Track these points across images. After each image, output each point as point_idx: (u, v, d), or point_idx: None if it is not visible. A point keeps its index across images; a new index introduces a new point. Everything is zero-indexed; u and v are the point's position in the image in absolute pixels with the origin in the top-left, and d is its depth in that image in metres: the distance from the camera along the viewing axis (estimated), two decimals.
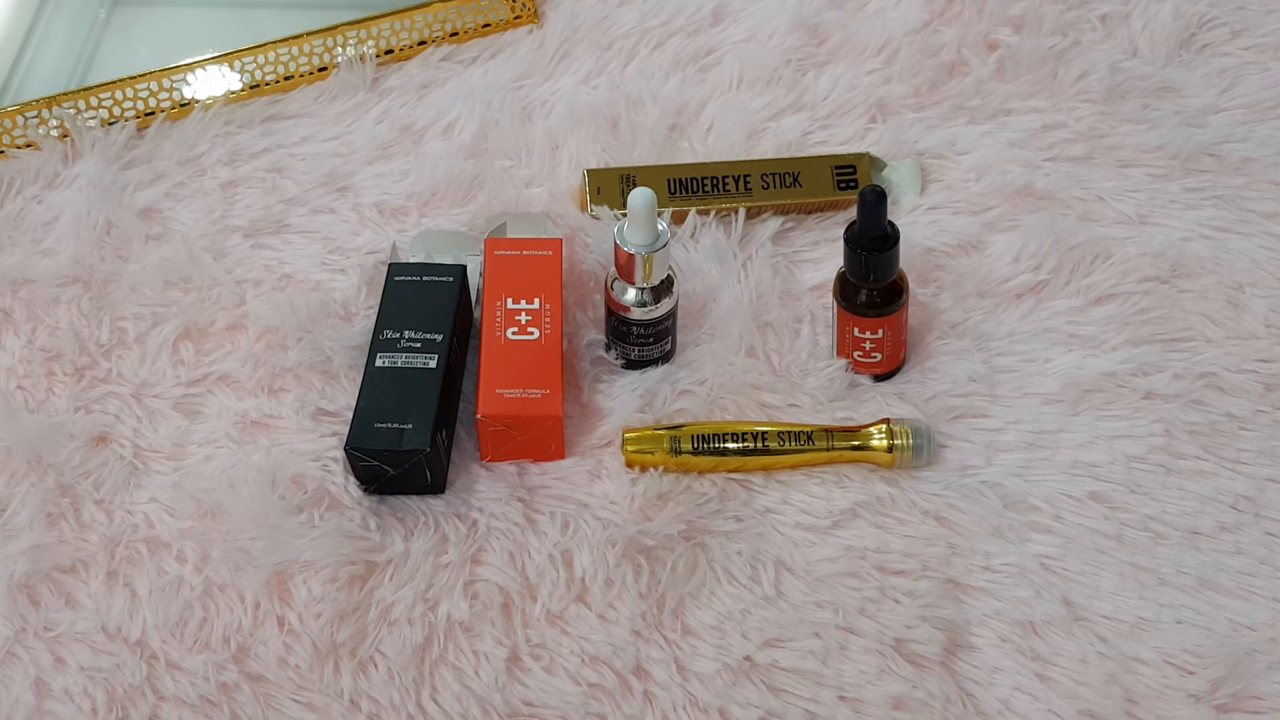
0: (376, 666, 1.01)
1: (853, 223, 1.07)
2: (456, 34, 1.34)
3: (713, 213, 1.21)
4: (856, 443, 1.08)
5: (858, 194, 1.09)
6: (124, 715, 0.99)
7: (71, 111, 1.28)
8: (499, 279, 1.12)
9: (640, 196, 1.05)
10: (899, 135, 1.27)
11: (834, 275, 1.12)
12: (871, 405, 1.12)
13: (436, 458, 1.05)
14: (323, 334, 1.15)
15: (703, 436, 1.08)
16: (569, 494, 1.07)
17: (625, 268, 1.08)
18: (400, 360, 1.08)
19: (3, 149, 1.28)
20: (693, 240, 1.20)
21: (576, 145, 1.27)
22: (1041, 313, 1.16)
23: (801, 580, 1.03)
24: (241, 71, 1.31)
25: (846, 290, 1.10)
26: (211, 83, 1.30)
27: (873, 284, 1.09)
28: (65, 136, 1.28)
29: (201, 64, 1.30)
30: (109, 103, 1.28)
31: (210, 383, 1.14)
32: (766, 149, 1.26)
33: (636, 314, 1.10)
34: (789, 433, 1.08)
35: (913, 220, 1.22)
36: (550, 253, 1.14)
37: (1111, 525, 1.05)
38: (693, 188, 1.22)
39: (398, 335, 1.09)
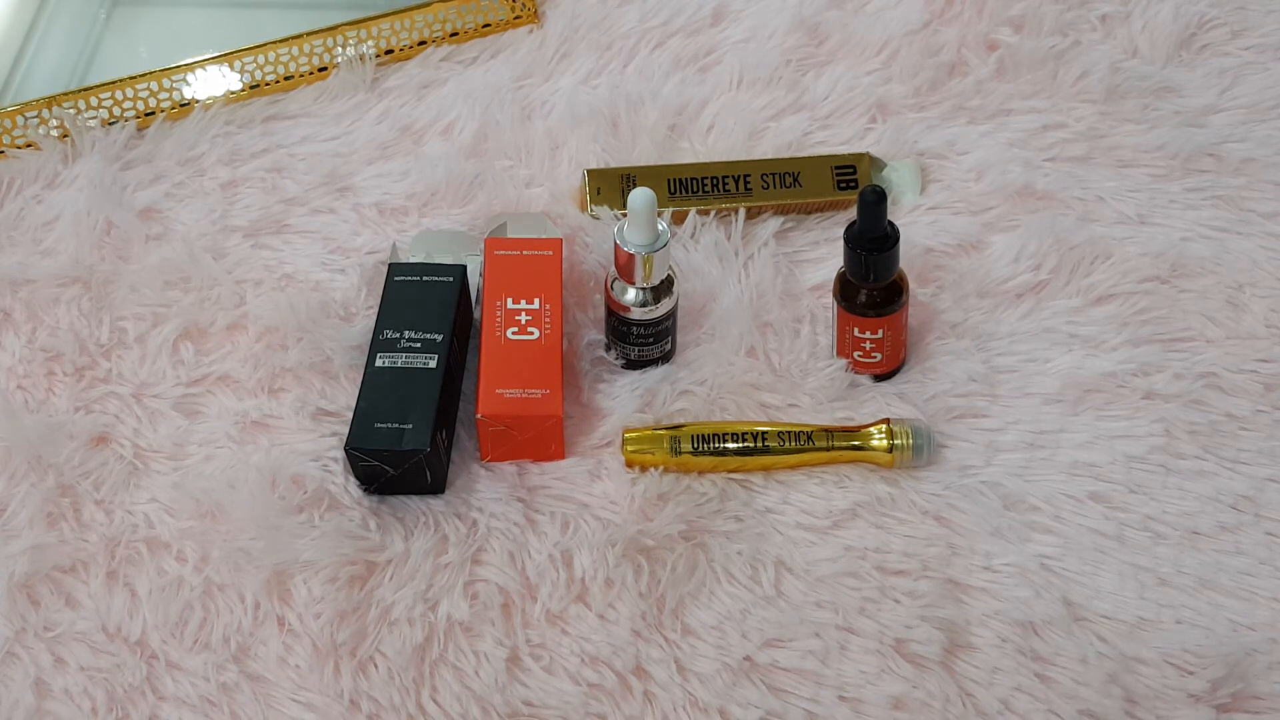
0: (376, 666, 1.00)
1: (853, 223, 1.07)
2: (456, 34, 1.34)
3: (713, 213, 1.21)
4: (856, 443, 1.08)
5: (858, 194, 1.09)
6: (124, 715, 0.99)
7: (71, 111, 1.28)
8: (499, 279, 1.12)
9: (640, 196, 1.05)
10: (899, 135, 1.27)
11: (834, 275, 1.12)
12: (871, 405, 1.12)
13: (436, 458, 1.05)
14: (323, 334, 1.15)
15: (703, 436, 1.08)
16: (569, 494, 1.07)
17: (625, 268, 1.08)
18: (400, 360, 1.08)
19: (3, 149, 1.28)
20: (693, 240, 1.20)
21: (576, 145, 1.27)
22: (1041, 313, 1.16)
23: (801, 580, 1.03)
24: (241, 71, 1.31)
25: (846, 290, 1.10)
26: (211, 83, 1.30)
27: (873, 284, 1.09)
28: (65, 136, 1.28)
29: (201, 64, 1.30)
30: (109, 103, 1.28)
31: (210, 383, 1.14)
32: (766, 149, 1.26)
33: (636, 314, 1.10)
34: (789, 433, 1.08)
35: (913, 220, 1.22)
36: (550, 253, 1.14)
37: (1111, 525, 1.05)
38: (693, 188, 1.22)
39: (398, 335, 1.09)
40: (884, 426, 1.08)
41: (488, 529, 1.06)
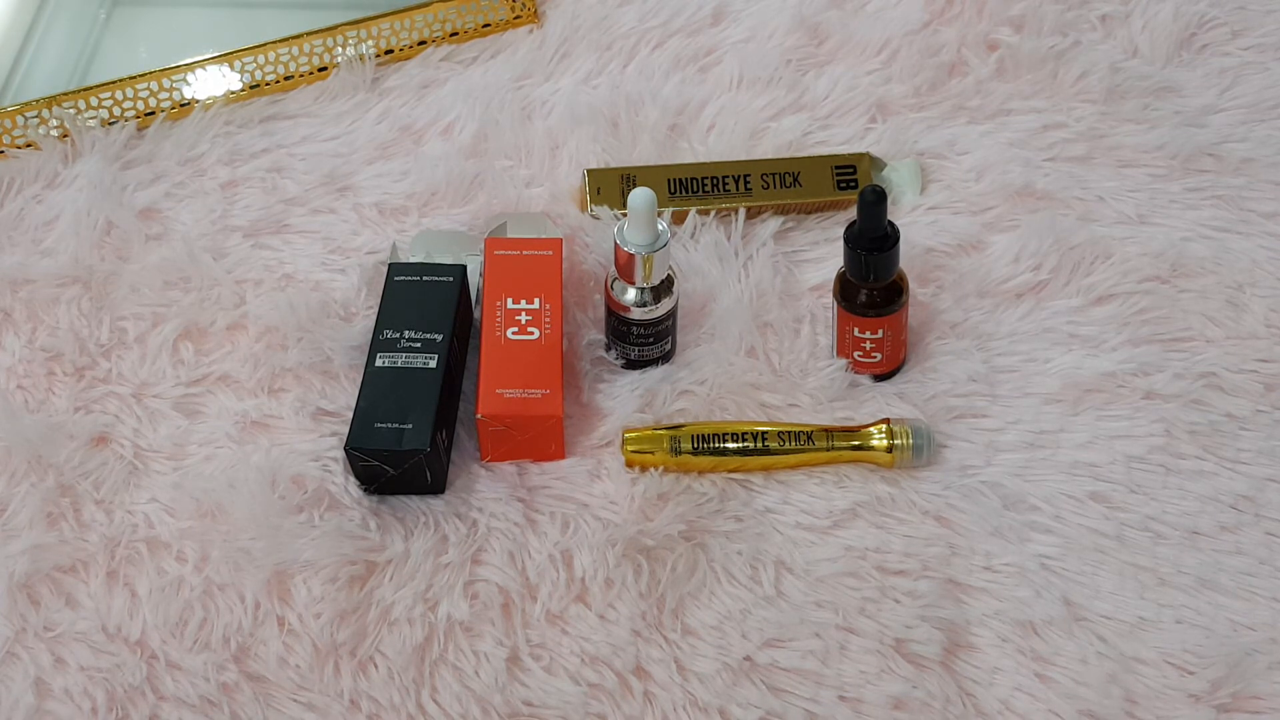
0: (376, 666, 1.00)
1: (853, 223, 1.07)
2: (456, 34, 1.34)
3: (713, 213, 1.21)
4: (856, 443, 1.08)
5: (858, 194, 1.09)
6: (124, 715, 0.99)
7: (71, 111, 1.28)
8: (499, 279, 1.12)
9: (640, 196, 1.05)
10: (899, 135, 1.27)
11: (834, 275, 1.12)
12: (871, 405, 1.12)
13: (436, 458, 1.05)
14: (323, 334, 1.15)
15: (703, 436, 1.08)
16: (569, 494, 1.07)
17: (625, 268, 1.08)
18: (400, 360, 1.08)
19: (3, 149, 1.28)
20: (693, 240, 1.20)
21: (576, 145, 1.27)
22: (1041, 313, 1.16)
23: (801, 580, 1.03)
24: (241, 71, 1.31)
25: (846, 290, 1.10)
26: (211, 83, 1.30)
27: (873, 284, 1.09)
28: (65, 136, 1.28)
29: (201, 64, 1.30)
30: (109, 103, 1.28)
31: (210, 383, 1.14)
32: (767, 149, 1.26)
33: (636, 314, 1.10)
34: (789, 433, 1.08)
35: (913, 220, 1.22)
36: (550, 253, 1.14)
37: (1111, 525, 1.05)
38: (693, 188, 1.22)
39: (398, 335, 1.09)
40: (884, 426, 1.08)
41: (488, 529, 1.06)
